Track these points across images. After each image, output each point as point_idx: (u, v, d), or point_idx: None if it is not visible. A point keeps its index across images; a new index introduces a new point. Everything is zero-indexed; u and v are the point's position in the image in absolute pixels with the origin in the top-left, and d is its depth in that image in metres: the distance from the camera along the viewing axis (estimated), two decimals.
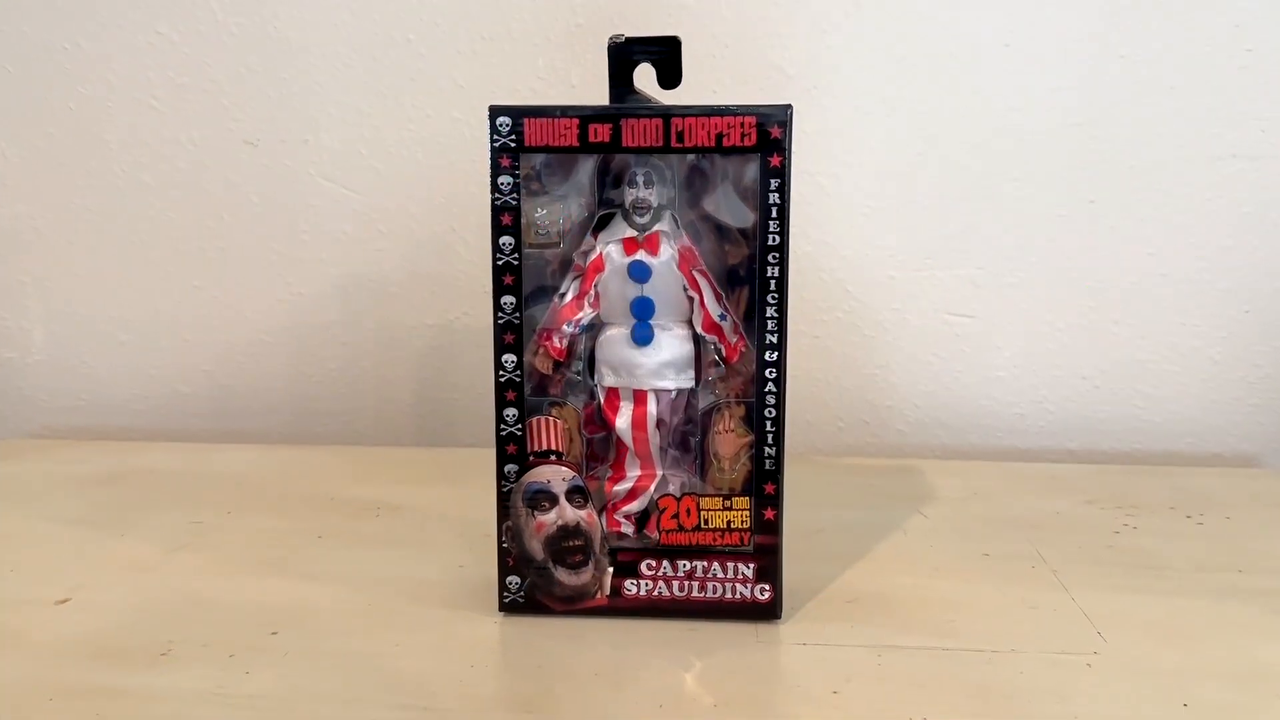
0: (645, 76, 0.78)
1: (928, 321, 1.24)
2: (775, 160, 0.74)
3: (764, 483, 0.77)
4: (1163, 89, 1.17)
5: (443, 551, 0.91)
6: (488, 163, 0.75)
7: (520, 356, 0.77)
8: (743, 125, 0.73)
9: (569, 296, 0.79)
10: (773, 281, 0.75)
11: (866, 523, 0.97)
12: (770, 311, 0.75)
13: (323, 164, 1.27)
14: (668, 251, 0.78)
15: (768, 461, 0.76)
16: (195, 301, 1.31)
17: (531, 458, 0.78)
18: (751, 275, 0.76)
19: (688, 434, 0.80)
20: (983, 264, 1.23)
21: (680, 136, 0.74)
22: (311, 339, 1.30)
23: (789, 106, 0.74)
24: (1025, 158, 1.21)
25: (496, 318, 0.77)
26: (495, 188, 0.75)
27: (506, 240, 0.76)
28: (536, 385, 0.79)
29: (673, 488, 0.80)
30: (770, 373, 0.76)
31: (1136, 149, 1.18)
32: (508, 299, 0.76)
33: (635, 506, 0.81)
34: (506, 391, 0.77)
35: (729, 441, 0.78)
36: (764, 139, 0.73)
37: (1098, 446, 1.25)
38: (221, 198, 1.29)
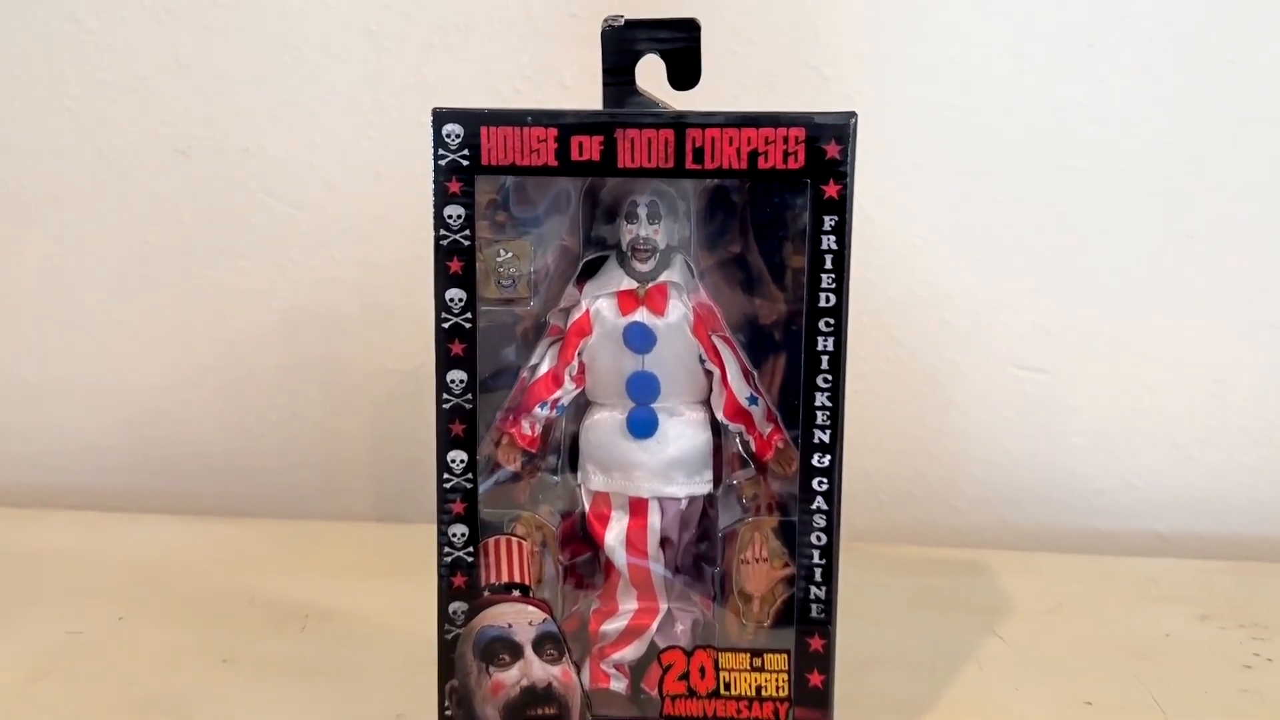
0: (652, 74, 0.57)
1: (990, 376, 1.06)
2: (831, 189, 0.53)
3: (808, 635, 0.56)
4: None
5: (377, 690, 0.71)
6: (429, 189, 0.54)
7: (472, 453, 0.56)
8: (786, 140, 0.53)
9: (543, 369, 0.60)
10: (825, 357, 0.55)
11: (930, 650, 0.77)
12: (821, 398, 0.55)
13: (266, 177, 1.10)
14: (678, 310, 0.58)
15: (814, 607, 0.56)
16: (114, 338, 1.14)
17: (487, 592, 0.57)
18: (791, 342, 0.57)
19: (702, 556, 0.60)
20: (1057, 308, 1.05)
21: (699, 154, 0.54)
22: (250, 385, 1.13)
23: (852, 115, 0.53)
24: (1110, 182, 1.03)
25: (440, 401, 0.56)
26: (441, 222, 0.55)
27: (456, 295, 0.55)
28: (494, 486, 0.58)
29: (681, 631, 0.60)
30: (820, 483, 0.55)
31: (1246, 173, 1.00)
32: (456, 375, 0.56)
33: (630, 654, 0.61)
34: (452, 502, 0.56)
35: (760, 574, 0.57)
36: (816, 159, 0.53)
37: (1191, 529, 1.07)
38: (146, 216, 1.12)
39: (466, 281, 0.55)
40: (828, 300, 0.54)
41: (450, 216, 0.54)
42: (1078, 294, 1.05)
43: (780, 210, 0.56)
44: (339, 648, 0.77)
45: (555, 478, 0.60)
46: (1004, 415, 1.07)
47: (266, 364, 1.14)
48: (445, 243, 0.55)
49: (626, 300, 0.58)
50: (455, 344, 0.55)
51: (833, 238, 0.53)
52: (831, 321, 0.54)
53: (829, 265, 0.54)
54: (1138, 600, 0.87)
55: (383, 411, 1.13)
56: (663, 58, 0.57)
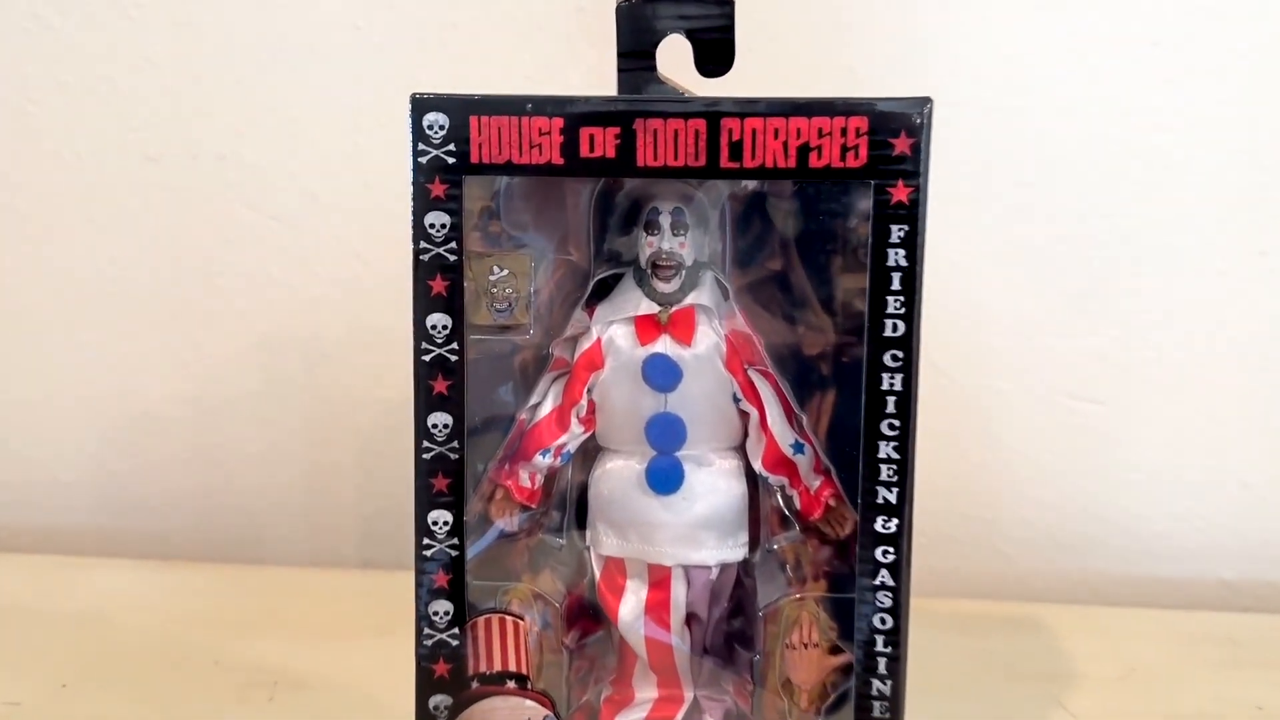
0: (675, 58, 0.48)
1: (1040, 407, 0.98)
2: (900, 192, 0.44)
3: None
4: None
5: None
6: (406, 191, 0.45)
7: (458, 513, 0.47)
8: (845, 132, 0.44)
9: (545, 409, 0.50)
10: (891, 399, 0.45)
11: None
12: (887, 449, 0.45)
13: (244, 186, 1.03)
14: (708, 338, 0.49)
15: (877, 705, 0.46)
16: (79, 363, 1.07)
17: (475, 683, 0.48)
18: (843, 377, 0.48)
19: (736, 635, 0.51)
20: (1114, 332, 0.97)
21: (736, 150, 0.44)
22: (225, 415, 1.06)
23: (926, 102, 0.44)
24: (1174, 194, 0.96)
25: (420, 450, 0.47)
26: (421, 232, 0.45)
27: (439, 321, 0.46)
28: (485, 549, 0.48)
29: None
30: (885, 553, 0.46)
31: None
32: (439, 419, 0.46)
33: None
34: (433, 573, 0.47)
35: (809, 662, 0.48)
36: (881, 156, 0.44)
37: (1262, 578, 1.00)
38: (112, 228, 1.05)
39: (452, 305, 0.45)
40: (895, 329, 0.44)
41: (433, 226, 0.45)
42: (1137, 317, 0.97)
43: (833, 219, 0.47)
44: None
45: (559, 540, 0.51)
46: (1055, 450, 0.98)
47: (243, 391, 1.06)
48: (426, 258, 0.45)
49: (646, 327, 0.49)
50: (439, 380, 0.46)
51: (901, 252, 0.44)
52: (900, 355, 0.45)
53: (896, 286, 0.44)
54: (1219, 665, 0.78)
55: (370, 444, 1.06)
56: (689, 38, 0.47)
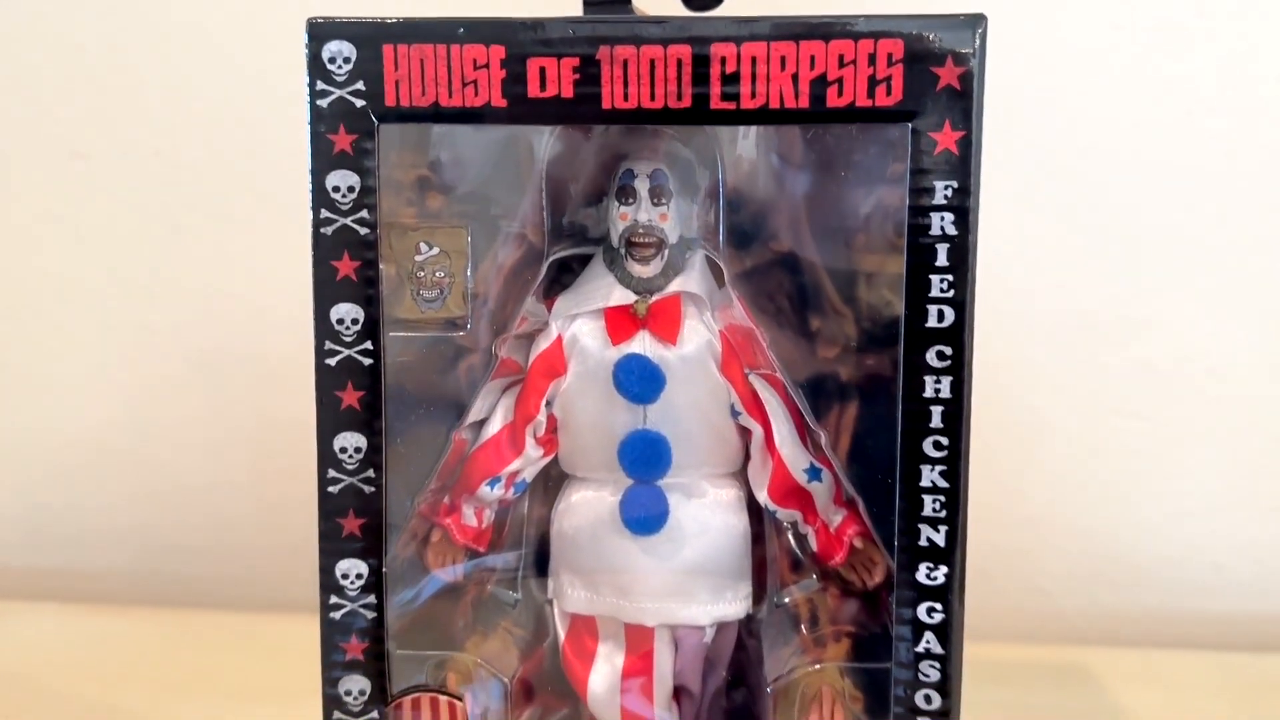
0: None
1: (1083, 425, 0.92)
2: (948, 138, 0.34)
3: None
4: None
5: None
6: (305, 143, 0.35)
7: (377, 564, 0.36)
8: (874, 60, 0.34)
9: (493, 427, 0.41)
10: (938, 409, 0.35)
11: None
12: (932, 474, 0.35)
13: (182, 185, 0.96)
14: (699, 336, 0.40)
15: None
16: (5, 390, 1.01)
17: None
18: (869, 384, 0.39)
19: (739, 713, 0.41)
20: (1165, 341, 0.91)
21: (731, 86, 0.34)
22: (164, 441, 1.00)
23: (981, 21, 0.34)
24: (1231, 184, 0.88)
25: (324, 481, 0.36)
26: (322, 198, 0.35)
27: (348, 313, 0.36)
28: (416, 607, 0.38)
29: None
30: (931, 611, 0.36)
31: None
32: (349, 441, 0.36)
33: None
34: (343, 641, 0.36)
35: None
36: (920, 89, 0.34)
37: None
38: (38, 235, 0.99)
39: (365, 293, 0.35)
40: (940, 318, 0.34)
41: (337, 190, 0.35)
42: (1192, 323, 0.91)
43: (857, 177, 0.36)
44: None
45: (513, 594, 0.40)
46: (1099, 474, 0.92)
47: (184, 415, 0.99)
48: (329, 230, 0.35)
49: (619, 322, 0.39)
50: (348, 390, 0.36)
51: (948, 217, 0.34)
52: (947, 353, 0.34)
53: (943, 261, 0.34)
54: None
55: None
56: None
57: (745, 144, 0.39)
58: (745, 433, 0.40)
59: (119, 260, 0.96)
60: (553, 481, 0.42)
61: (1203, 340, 0.89)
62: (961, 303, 0.34)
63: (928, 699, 0.36)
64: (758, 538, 0.41)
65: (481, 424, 0.40)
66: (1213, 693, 0.74)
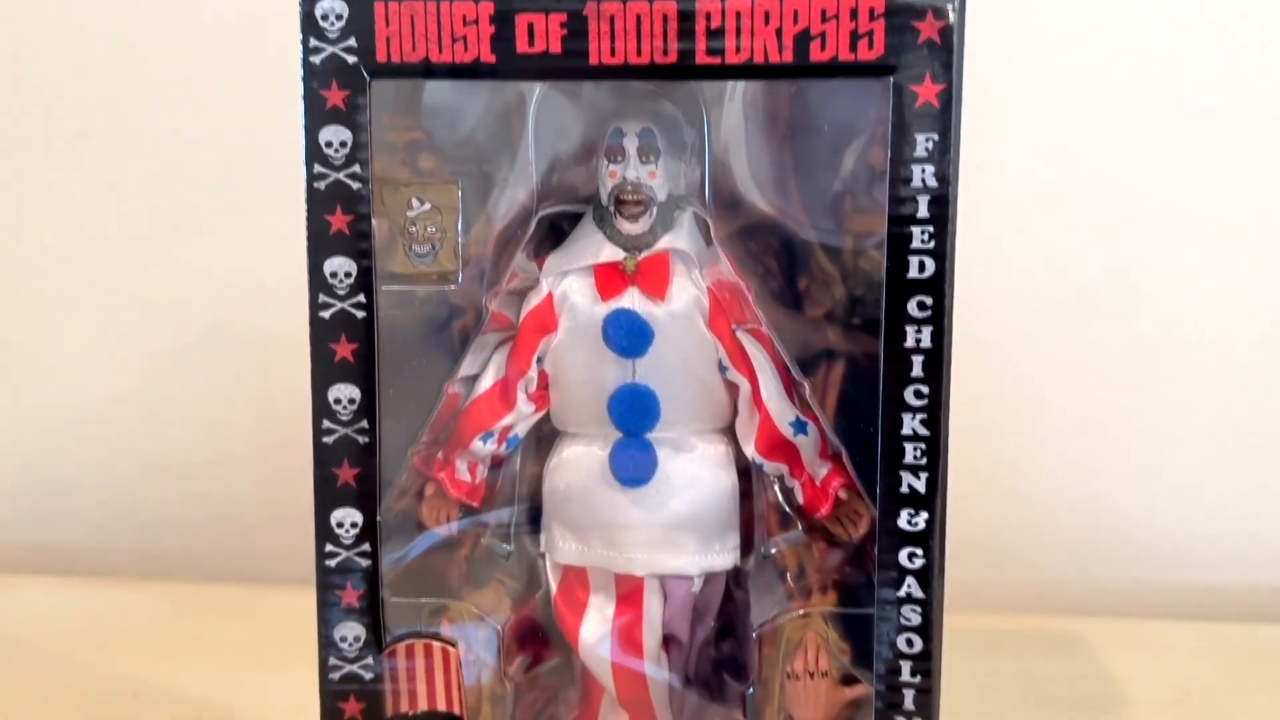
0: None
1: (1076, 398, 0.91)
2: (928, 91, 0.34)
3: None
4: None
5: None
6: (297, 100, 0.36)
7: (371, 512, 0.37)
8: (855, 14, 0.35)
9: (486, 382, 0.41)
10: (919, 359, 0.36)
11: None
12: (912, 422, 0.36)
13: (184, 163, 0.96)
14: (687, 293, 0.40)
15: None
16: (7, 365, 1.01)
17: None
18: (855, 342, 0.39)
19: (726, 661, 0.42)
20: (1161, 314, 0.91)
21: (715, 41, 0.35)
22: (167, 417, 1.00)
23: None
24: (1226, 168, 0.88)
25: (319, 431, 0.37)
26: (315, 153, 0.36)
27: (341, 266, 0.37)
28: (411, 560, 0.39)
29: None
30: (912, 556, 0.36)
31: None
32: (343, 392, 0.37)
33: None
34: (339, 587, 0.37)
35: (816, 695, 0.39)
36: (901, 43, 0.34)
37: None
38: (42, 215, 0.99)
39: (358, 246, 0.36)
40: (921, 269, 0.35)
41: (329, 145, 0.36)
42: (1190, 298, 0.91)
43: (839, 134, 0.37)
44: None
45: (506, 546, 0.41)
46: (1092, 448, 0.92)
47: (187, 390, 0.99)
48: (323, 185, 0.36)
49: (609, 278, 0.40)
50: (341, 343, 0.36)
51: (928, 169, 0.34)
52: (928, 302, 0.35)
53: (923, 212, 0.35)
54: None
55: None
56: None
57: (731, 106, 0.40)
58: (733, 388, 0.41)
59: (120, 238, 0.96)
60: (545, 440, 0.43)
61: (1196, 314, 0.89)
62: (942, 254, 0.35)
63: (909, 642, 0.37)
64: (745, 494, 0.42)
65: (474, 379, 0.41)
66: (1206, 661, 0.74)
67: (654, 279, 0.40)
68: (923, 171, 0.34)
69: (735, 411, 0.41)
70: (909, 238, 0.35)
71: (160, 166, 0.95)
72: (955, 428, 0.91)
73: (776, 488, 0.41)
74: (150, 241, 0.97)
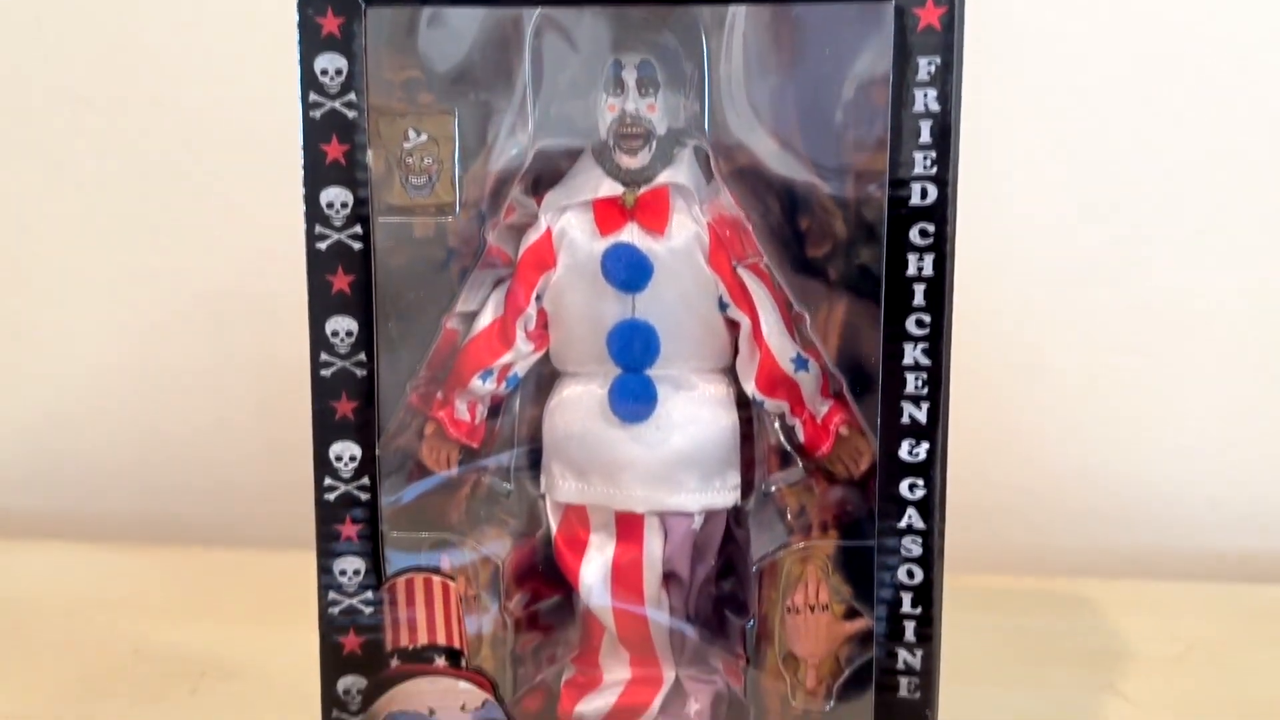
0: None
1: (1080, 362, 0.91)
2: (930, 13, 0.34)
3: None
4: None
5: None
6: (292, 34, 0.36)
7: (370, 446, 0.37)
8: None
9: (485, 320, 0.41)
10: (919, 287, 0.35)
11: (1035, 715, 0.62)
12: (914, 352, 0.36)
13: (188, 130, 0.95)
14: (687, 228, 0.40)
15: (905, 682, 0.36)
16: (8, 332, 1.01)
17: (396, 661, 0.38)
18: (857, 282, 0.38)
19: (727, 599, 0.41)
20: (1162, 278, 0.90)
21: None
22: (170, 384, 0.99)
23: None
24: (1239, 121, 0.87)
25: (317, 364, 0.37)
26: (311, 81, 0.36)
27: (337, 196, 0.36)
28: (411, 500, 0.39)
29: (697, 712, 0.42)
30: (913, 487, 0.36)
31: None
32: (340, 324, 0.37)
33: None
34: (338, 520, 0.37)
35: (816, 629, 0.39)
36: None
37: None
38: (41, 181, 0.98)
39: (353, 176, 0.36)
40: (923, 195, 0.35)
41: (325, 72, 0.35)
42: (1192, 262, 0.90)
43: (840, 63, 0.37)
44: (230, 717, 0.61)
45: (506, 485, 0.41)
46: (1095, 412, 0.91)
47: (189, 358, 0.99)
48: (318, 114, 0.36)
49: (608, 213, 0.39)
50: (338, 275, 0.36)
51: (931, 93, 0.34)
52: (930, 229, 0.35)
53: (925, 138, 0.34)
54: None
55: None
56: None
57: (732, 36, 0.39)
58: (734, 327, 0.40)
59: (121, 205, 0.95)
60: (545, 385, 0.42)
61: (1200, 278, 0.88)
62: (944, 180, 0.34)
63: (910, 574, 0.36)
64: (746, 437, 0.41)
65: (472, 317, 0.40)
66: (1209, 619, 0.74)
67: (653, 214, 0.39)
68: (925, 95, 0.34)
69: (736, 351, 0.41)
70: (912, 163, 0.35)
71: (160, 133, 0.95)
72: (957, 393, 0.91)
73: (777, 426, 0.41)
74: (150, 210, 0.96)
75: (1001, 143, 0.88)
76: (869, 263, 0.38)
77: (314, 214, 0.36)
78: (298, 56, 0.36)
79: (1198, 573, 0.88)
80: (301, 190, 0.37)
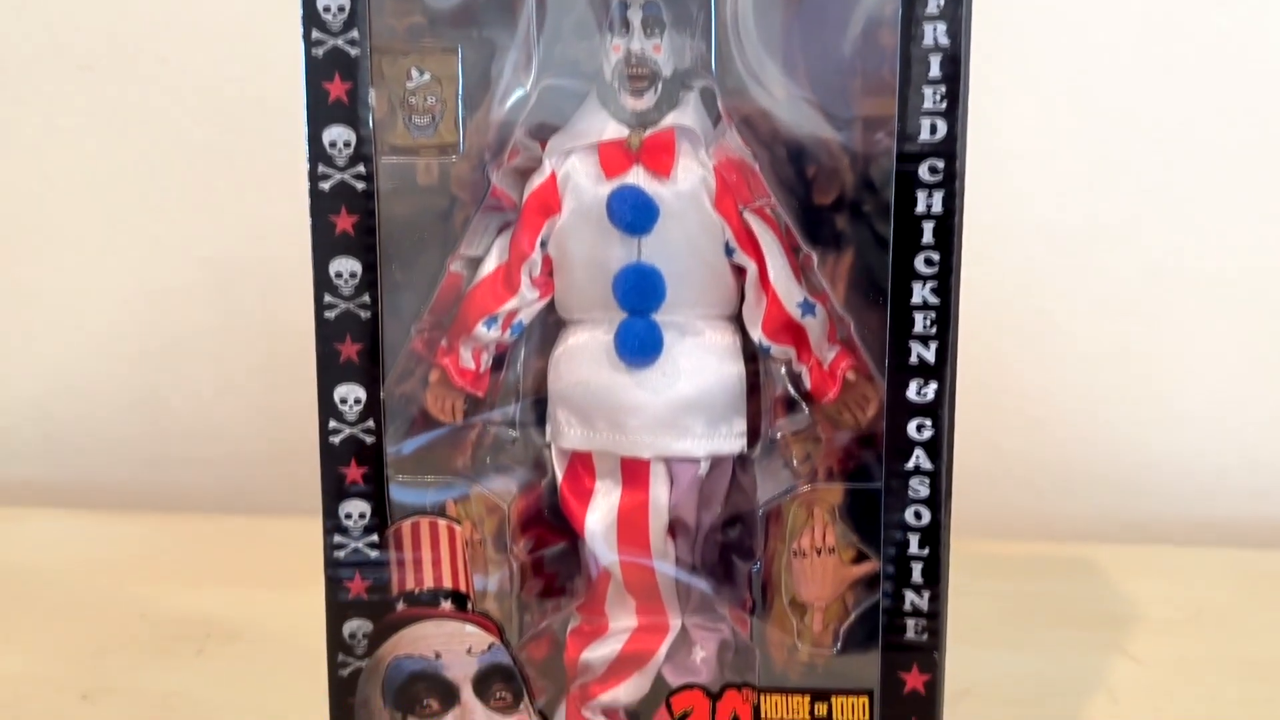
0: None
1: (1084, 327, 0.91)
2: None
3: (902, 667, 0.36)
4: None
5: None
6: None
7: (375, 388, 0.37)
8: None
9: (489, 265, 0.40)
10: (929, 225, 0.35)
11: (1047, 677, 0.61)
12: (923, 291, 0.35)
13: (188, 95, 0.95)
14: (693, 172, 0.39)
15: (912, 624, 0.36)
16: (14, 302, 1.01)
17: (402, 604, 0.38)
18: (864, 229, 0.38)
19: (733, 546, 0.41)
20: (1171, 243, 0.89)
21: None
22: (173, 353, 1.00)
23: None
24: (1246, 86, 0.86)
25: (320, 306, 0.37)
26: (313, 18, 0.35)
27: (340, 135, 0.36)
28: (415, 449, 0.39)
29: (702, 660, 0.41)
30: (920, 428, 0.36)
31: None
32: (344, 265, 0.36)
33: (626, 694, 0.42)
34: (343, 463, 0.37)
35: (823, 573, 0.38)
36: None
37: None
38: (44, 151, 0.98)
39: (355, 114, 0.35)
40: (932, 130, 0.34)
41: (327, 9, 0.35)
42: (1201, 227, 0.89)
43: (846, 9, 0.36)
44: (236, 675, 0.62)
45: (512, 432, 0.41)
46: (1101, 378, 0.91)
47: (192, 326, 0.99)
48: (320, 52, 0.35)
49: (613, 156, 0.39)
50: (341, 215, 0.36)
51: (940, 26, 0.33)
52: (939, 165, 0.34)
53: (935, 72, 0.34)
54: None
55: None
56: None
57: None
58: (740, 273, 0.40)
59: (124, 171, 0.95)
60: (550, 336, 0.42)
61: (1208, 244, 0.88)
62: (953, 116, 0.34)
63: (917, 515, 0.36)
64: (753, 388, 0.41)
65: (477, 262, 0.40)
66: (1218, 583, 0.74)
67: (659, 156, 0.38)
68: (934, 29, 0.34)
69: (744, 296, 0.40)
70: (921, 99, 0.34)
71: (164, 101, 0.94)
72: (966, 357, 0.90)
73: (784, 373, 0.40)
74: (153, 176, 0.96)
75: (1009, 111, 0.88)
76: (876, 209, 0.38)
77: (317, 153, 0.36)
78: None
79: (1206, 538, 0.88)
80: (304, 129, 0.37)
